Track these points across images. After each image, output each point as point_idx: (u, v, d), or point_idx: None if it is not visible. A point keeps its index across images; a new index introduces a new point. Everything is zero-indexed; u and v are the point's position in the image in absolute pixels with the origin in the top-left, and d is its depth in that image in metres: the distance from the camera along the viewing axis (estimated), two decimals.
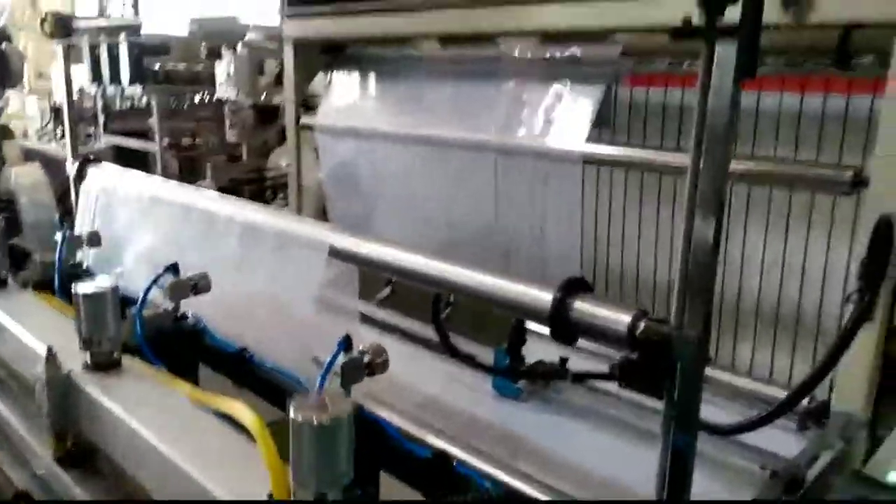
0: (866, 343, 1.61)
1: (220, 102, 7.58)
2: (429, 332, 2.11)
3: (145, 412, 1.08)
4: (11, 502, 1.10)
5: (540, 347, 1.85)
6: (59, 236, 1.96)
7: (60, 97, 8.96)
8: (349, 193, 2.95)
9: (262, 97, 6.55)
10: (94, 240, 1.99)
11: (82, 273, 1.94)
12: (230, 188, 5.64)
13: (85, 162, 2.26)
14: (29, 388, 1.36)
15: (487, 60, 2.40)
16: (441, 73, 2.53)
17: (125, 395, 1.12)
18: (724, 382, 1.73)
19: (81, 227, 2.18)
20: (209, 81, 7.47)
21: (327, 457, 0.77)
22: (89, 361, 1.17)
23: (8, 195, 4.46)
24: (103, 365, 1.17)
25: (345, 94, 2.88)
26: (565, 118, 2.12)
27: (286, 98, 3.11)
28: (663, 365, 0.97)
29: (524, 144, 2.20)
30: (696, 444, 1.01)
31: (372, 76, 2.82)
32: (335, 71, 2.95)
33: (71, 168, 2.32)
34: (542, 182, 2.21)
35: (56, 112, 8.83)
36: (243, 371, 1.47)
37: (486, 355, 1.84)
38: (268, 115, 6.25)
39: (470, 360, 1.75)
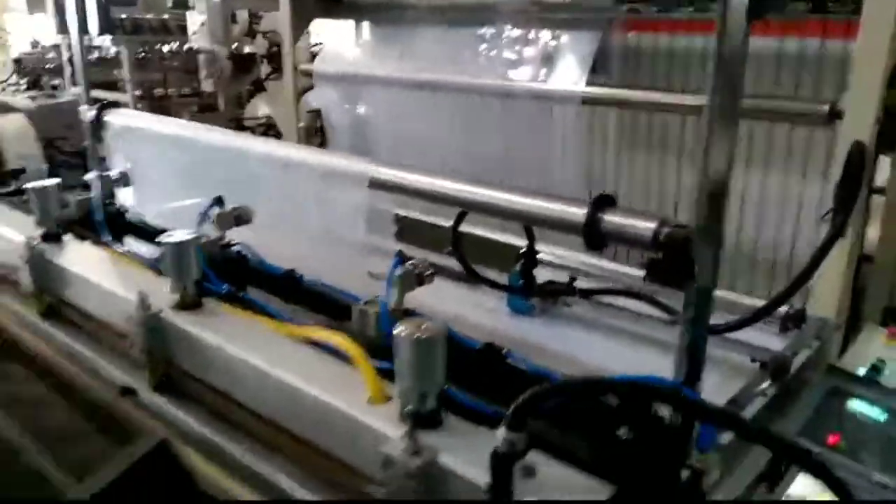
0: (839, 258, 1.84)
1: (191, 52, 7.49)
2: (438, 260, 2.29)
3: (236, 339, 1.23)
4: (121, 393, 1.24)
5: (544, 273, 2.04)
6: (92, 176, 2.07)
7: (21, 48, 8.64)
8: (347, 138, 3.07)
9: (234, 46, 6.52)
10: (125, 180, 2.10)
11: (118, 210, 2.06)
12: None
13: (103, 107, 2.33)
14: (105, 329, 1.50)
15: (485, 8, 2.53)
16: (442, 19, 2.64)
17: (215, 327, 1.26)
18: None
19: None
20: (178, 31, 7.38)
21: (427, 367, 0.93)
22: (176, 301, 1.32)
23: None
24: (189, 305, 1.32)
25: (343, 40, 2.98)
26: (565, 62, 2.27)
27: (284, 45, 3.19)
28: (684, 263, 1.15)
29: (527, 87, 2.35)
30: (707, 334, 1.20)
31: (370, 22, 2.92)
32: (333, 18, 3.04)
33: (86, 113, 2.39)
34: (546, 123, 2.37)
35: (18, 63, 8.61)
36: (294, 290, 1.63)
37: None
38: (244, 64, 6.24)
39: (488, 282, 1.92)
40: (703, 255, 1.14)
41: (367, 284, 1.58)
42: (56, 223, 1.71)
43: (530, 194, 1.33)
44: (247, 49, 6.43)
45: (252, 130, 6.18)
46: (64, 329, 1.55)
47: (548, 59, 2.34)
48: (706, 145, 1.12)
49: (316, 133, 4.49)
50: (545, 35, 2.37)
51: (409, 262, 1.38)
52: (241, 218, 1.74)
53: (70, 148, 4.84)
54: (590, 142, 2.44)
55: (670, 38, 2.26)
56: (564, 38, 2.31)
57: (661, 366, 1.73)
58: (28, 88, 8.14)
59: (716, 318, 1.81)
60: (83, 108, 2.44)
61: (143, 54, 7.46)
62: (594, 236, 1.24)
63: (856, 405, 1.63)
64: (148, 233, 2.02)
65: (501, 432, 0.90)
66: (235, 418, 1.21)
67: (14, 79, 8.25)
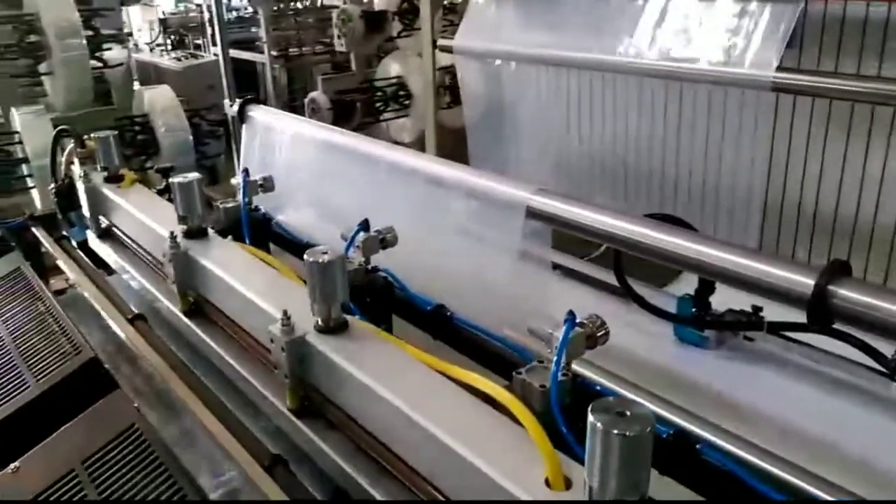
0: None
1: (325, 8, 7.48)
2: (583, 267, 2.08)
3: (381, 371, 1.10)
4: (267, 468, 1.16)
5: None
6: (236, 181, 2.01)
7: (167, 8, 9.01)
8: (491, 117, 2.87)
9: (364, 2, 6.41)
10: (268, 185, 2.02)
11: (262, 218, 2.00)
12: (339, 100, 5.62)
13: (245, 102, 2.27)
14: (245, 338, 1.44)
15: None
16: None
17: (361, 356, 1.14)
18: None
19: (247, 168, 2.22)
20: None
21: (632, 465, 0.76)
22: (321, 323, 1.21)
23: (143, 116, 4.62)
24: (333, 329, 1.21)
25: (488, 11, 2.75)
26: (754, 40, 1.94)
27: (423, 13, 3.01)
28: None
29: (705, 70, 2.04)
30: None
31: None
32: None
33: (229, 109, 2.35)
34: (723, 112, 2.06)
35: (163, 23, 8.99)
36: (442, 328, 1.49)
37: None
38: (375, 22, 6.11)
39: (655, 310, 1.70)
40: None
41: (513, 320, 1.42)
42: (201, 221, 1.63)
43: (741, 252, 1.10)
44: (376, 6, 6.30)
45: (384, 91, 6.07)
46: (206, 329, 1.50)
47: (733, 37, 2.01)
48: None
49: (445, 91, 4.32)
50: (726, 7, 2.04)
51: (581, 322, 1.18)
52: (386, 241, 1.61)
53: (215, 116, 4.96)
54: (773, 129, 2.11)
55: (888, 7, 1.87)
56: (752, 9, 1.97)
57: (874, 426, 1.46)
58: (173, 48, 8.50)
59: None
60: (226, 102, 2.40)
61: (277, 11, 7.52)
62: (821, 314, 1.00)
63: None
64: (293, 244, 1.96)
65: None
66: (382, 459, 1.10)
67: (160, 39, 8.64)
